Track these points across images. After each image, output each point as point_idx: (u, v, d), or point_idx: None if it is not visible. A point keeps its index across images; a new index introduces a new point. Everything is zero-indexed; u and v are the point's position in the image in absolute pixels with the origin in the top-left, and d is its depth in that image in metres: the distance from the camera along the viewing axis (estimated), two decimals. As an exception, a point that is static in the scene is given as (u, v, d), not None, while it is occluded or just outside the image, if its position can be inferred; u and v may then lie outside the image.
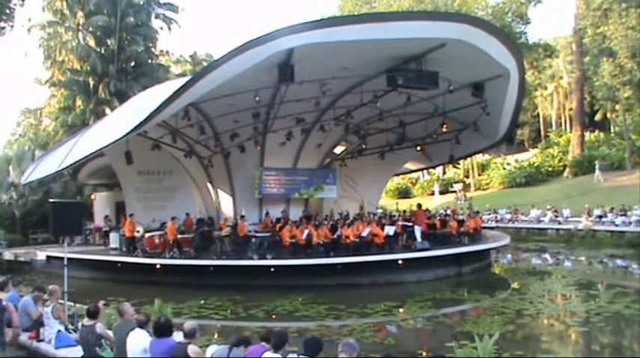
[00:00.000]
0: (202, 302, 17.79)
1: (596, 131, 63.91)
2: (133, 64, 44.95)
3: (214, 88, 18.55)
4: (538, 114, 79.97)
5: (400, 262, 20.91)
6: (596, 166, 49.43)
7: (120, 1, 42.78)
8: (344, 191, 32.42)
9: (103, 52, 43.65)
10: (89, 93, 42.29)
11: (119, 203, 30.96)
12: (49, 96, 48.00)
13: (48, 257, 26.55)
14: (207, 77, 18.02)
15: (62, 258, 14.02)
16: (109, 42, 43.60)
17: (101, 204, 33.71)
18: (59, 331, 10.22)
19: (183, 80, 20.76)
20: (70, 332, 10.52)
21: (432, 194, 62.07)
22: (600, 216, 35.03)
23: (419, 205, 28.36)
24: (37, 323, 10.71)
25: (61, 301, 11.69)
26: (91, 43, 43.16)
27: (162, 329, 7.52)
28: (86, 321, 9.16)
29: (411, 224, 23.96)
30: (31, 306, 11.01)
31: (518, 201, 45.28)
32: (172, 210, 25.04)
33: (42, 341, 10.47)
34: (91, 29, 43.29)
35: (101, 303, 9.59)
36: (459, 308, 17.79)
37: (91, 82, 42.36)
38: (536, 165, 57.51)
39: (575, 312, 16.21)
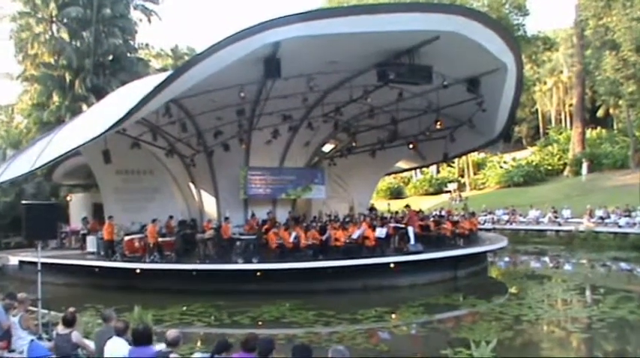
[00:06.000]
0: (184, 308, 17.77)
1: (598, 128, 64.07)
2: (110, 58, 44.64)
3: (197, 83, 18.55)
4: (537, 110, 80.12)
5: (392, 265, 20.95)
6: (584, 165, 49.91)
7: (96, -9, 42.58)
8: (333, 191, 32.45)
9: (78, 45, 43.34)
10: (64, 89, 42.04)
11: (97, 204, 30.84)
12: (21, 91, 47.68)
13: (21, 262, 26.39)
14: (189, 72, 17.99)
15: (36, 263, 13.98)
16: (84, 35, 43.22)
17: (77, 205, 33.55)
18: (32, 340, 10.16)
19: (163, 75, 20.71)
20: (44, 342, 10.46)
21: None
22: (602, 217, 35.08)
23: (407, 206, 28.43)
24: (9, 333, 10.64)
25: (33, 308, 11.65)
26: (65, 35, 42.84)
27: (141, 337, 7.53)
28: (61, 330, 9.11)
29: (403, 226, 24.02)
30: (2, 315, 10.92)
31: (515, 201, 45.41)
32: (153, 211, 24.96)
33: (14, 351, 10.40)
34: (65, 21, 42.98)
35: (71, 310, 9.54)
36: (454, 313, 17.85)
37: (67, 77, 42.10)
38: (534, 163, 57.72)
39: (576, 318, 16.35)
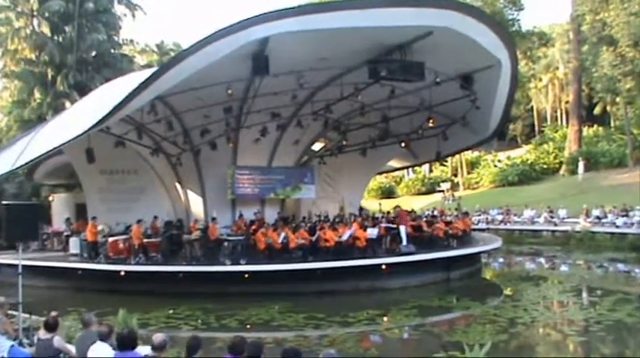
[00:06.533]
0: (171, 311, 17.73)
1: (595, 125, 64.19)
2: (93, 53, 44.55)
3: (183, 80, 18.46)
4: (532, 107, 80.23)
5: (384, 267, 20.96)
6: (580, 164, 50.05)
7: (78, -15, 42.43)
8: (323, 191, 32.35)
9: (60, 40, 43.23)
10: (46, 86, 41.92)
11: (80, 205, 30.71)
12: (1, 88, 47.56)
13: (0, 264, 26.30)
14: (175, 68, 17.93)
15: (16, 266, 13.94)
16: (66, 29, 43.13)
17: (60, 206, 33.39)
18: (12, 346, 10.10)
19: (149, 72, 20.67)
20: (25, 347, 10.41)
21: None
22: (599, 217, 35.12)
23: (397, 206, 28.51)
24: (-13, 339, 10.57)
25: (14, 313, 11.60)
26: (47, 30, 42.74)
27: (125, 342, 7.51)
28: (43, 334, 9.05)
29: (394, 226, 24.03)
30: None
31: (510, 200, 45.42)
32: (138, 212, 24.86)
33: (-8, 357, 10.34)
34: (46, 15, 42.85)
35: (53, 314, 9.50)
36: (447, 316, 17.90)
37: (49, 74, 41.98)
38: (529, 162, 57.78)
39: (573, 321, 16.38)
